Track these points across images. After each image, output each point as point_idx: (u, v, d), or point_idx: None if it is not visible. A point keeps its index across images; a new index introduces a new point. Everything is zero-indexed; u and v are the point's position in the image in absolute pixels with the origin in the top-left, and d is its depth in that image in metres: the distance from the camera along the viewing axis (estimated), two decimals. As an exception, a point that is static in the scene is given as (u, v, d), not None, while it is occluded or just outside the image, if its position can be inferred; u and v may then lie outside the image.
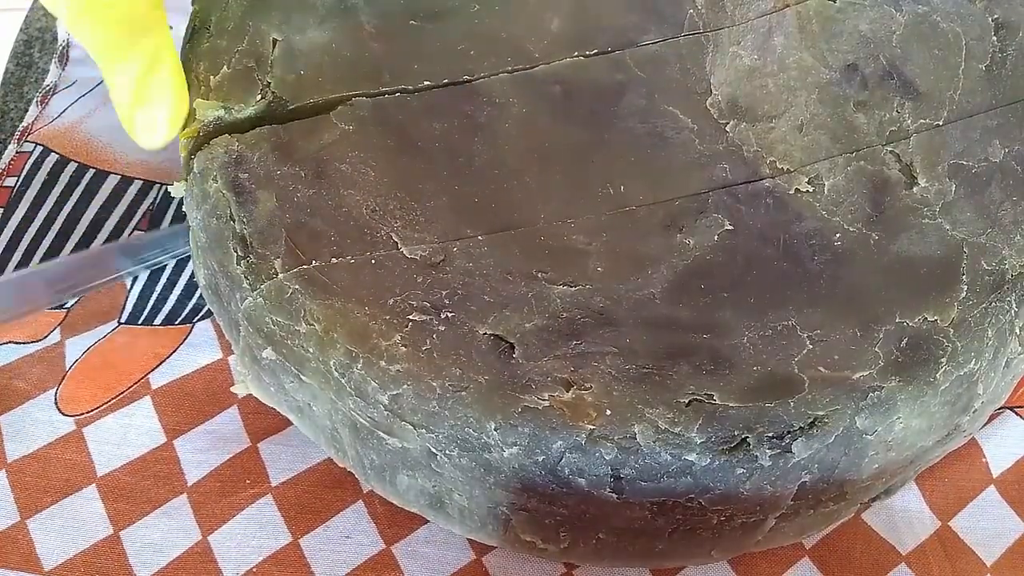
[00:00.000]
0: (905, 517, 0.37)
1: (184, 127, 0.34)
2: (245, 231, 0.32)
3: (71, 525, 0.36)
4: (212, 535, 0.36)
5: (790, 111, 0.35)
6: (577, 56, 0.34)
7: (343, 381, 0.30)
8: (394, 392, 0.30)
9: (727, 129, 0.34)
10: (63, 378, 0.39)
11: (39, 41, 0.52)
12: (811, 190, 0.33)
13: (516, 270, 0.31)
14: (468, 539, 0.36)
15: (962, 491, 0.37)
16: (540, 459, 0.29)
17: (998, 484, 0.37)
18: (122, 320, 0.41)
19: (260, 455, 0.38)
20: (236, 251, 0.32)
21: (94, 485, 0.37)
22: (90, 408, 0.38)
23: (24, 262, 0.42)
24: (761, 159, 0.34)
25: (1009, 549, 0.36)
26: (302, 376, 0.32)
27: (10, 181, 0.44)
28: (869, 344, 0.31)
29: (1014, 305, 0.32)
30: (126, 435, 0.38)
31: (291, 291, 0.31)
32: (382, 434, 0.31)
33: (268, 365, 0.33)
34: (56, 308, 0.41)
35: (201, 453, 0.38)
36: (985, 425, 0.37)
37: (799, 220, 0.33)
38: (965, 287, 0.32)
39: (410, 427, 0.30)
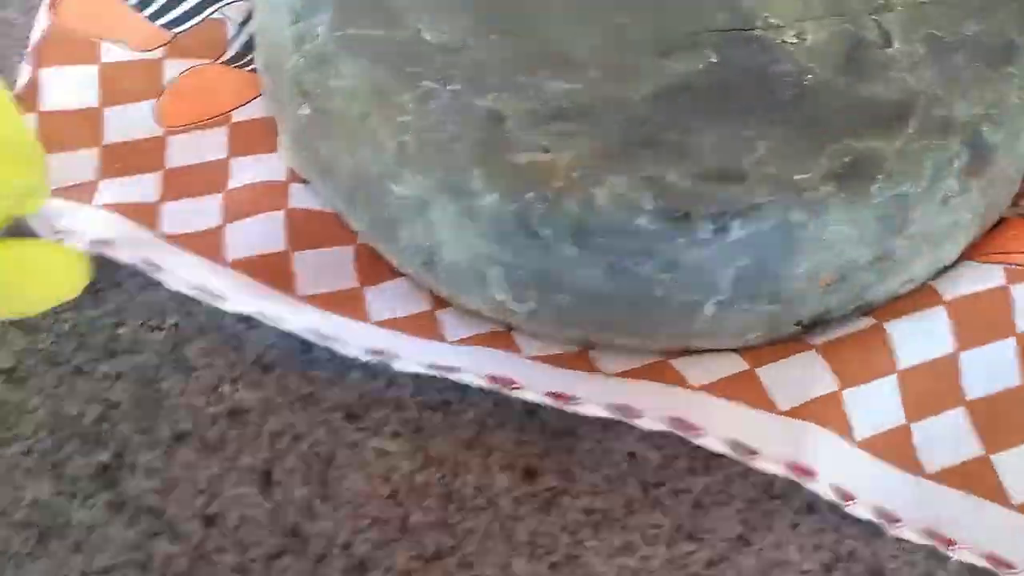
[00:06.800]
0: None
1: None
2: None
3: None
4: None
5: (790, -24, 0.39)
6: None
7: (361, 130, 0.36)
8: (401, 139, 0.35)
9: None
10: (161, 93, 0.44)
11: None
12: (795, 42, 0.38)
13: (521, 67, 0.37)
14: (428, 294, 0.40)
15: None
16: (514, 207, 0.35)
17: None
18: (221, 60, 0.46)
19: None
20: (289, 17, 0.38)
21: None
22: (181, 124, 0.43)
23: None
24: (756, 15, 0.39)
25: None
26: (330, 132, 0.38)
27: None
28: (815, 157, 0.35)
29: (956, 147, 0.36)
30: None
31: (329, 52, 0.37)
32: (389, 183, 0.37)
33: (303, 123, 0.39)
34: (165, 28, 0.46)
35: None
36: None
37: (779, 62, 0.38)
38: (915, 124, 0.36)
39: (409, 174, 0.36)
